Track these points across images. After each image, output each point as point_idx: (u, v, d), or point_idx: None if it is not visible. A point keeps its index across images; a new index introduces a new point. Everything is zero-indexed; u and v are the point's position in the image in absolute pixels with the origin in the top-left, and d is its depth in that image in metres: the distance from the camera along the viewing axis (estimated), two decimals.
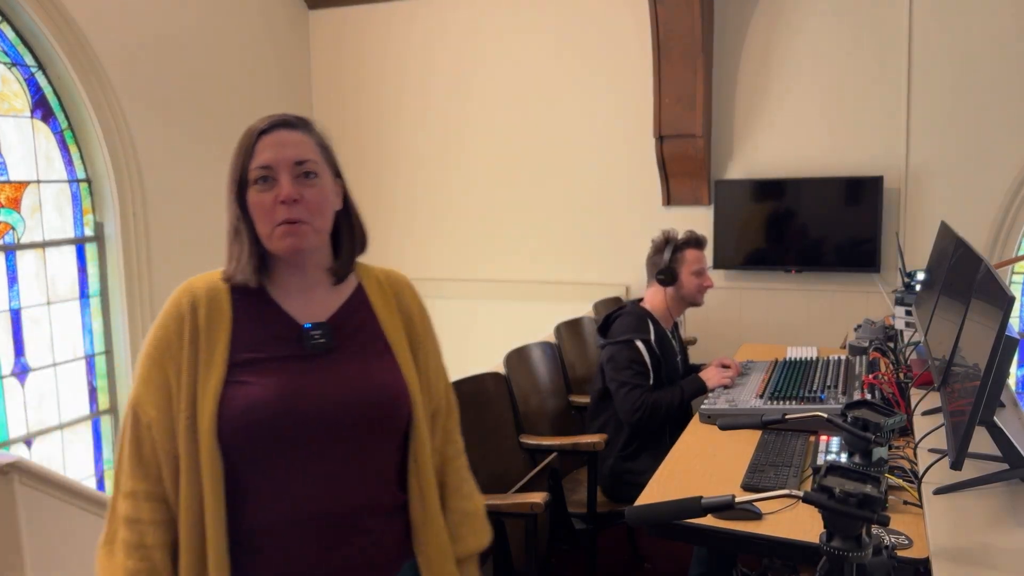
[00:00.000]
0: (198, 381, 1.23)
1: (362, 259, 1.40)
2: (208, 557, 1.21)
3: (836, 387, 2.52)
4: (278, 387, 1.23)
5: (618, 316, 2.96)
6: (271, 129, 1.27)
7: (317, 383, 1.26)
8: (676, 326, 3.16)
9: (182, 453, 1.22)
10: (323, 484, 1.25)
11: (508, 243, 4.58)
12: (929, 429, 1.92)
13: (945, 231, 2.62)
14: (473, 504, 1.46)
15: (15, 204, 3.54)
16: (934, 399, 2.14)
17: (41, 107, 3.62)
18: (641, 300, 3.05)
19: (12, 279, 3.53)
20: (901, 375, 2.45)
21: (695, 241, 3.04)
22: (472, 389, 2.58)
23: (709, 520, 1.68)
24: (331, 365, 1.28)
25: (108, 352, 3.87)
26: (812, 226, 3.96)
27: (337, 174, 1.33)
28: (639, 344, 2.81)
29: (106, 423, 3.88)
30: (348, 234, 1.34)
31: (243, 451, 1.22)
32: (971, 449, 1.51)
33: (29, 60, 3.57)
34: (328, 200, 1.29)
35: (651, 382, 2.81)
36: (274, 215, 1.24)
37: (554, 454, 2.73)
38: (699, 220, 4.15)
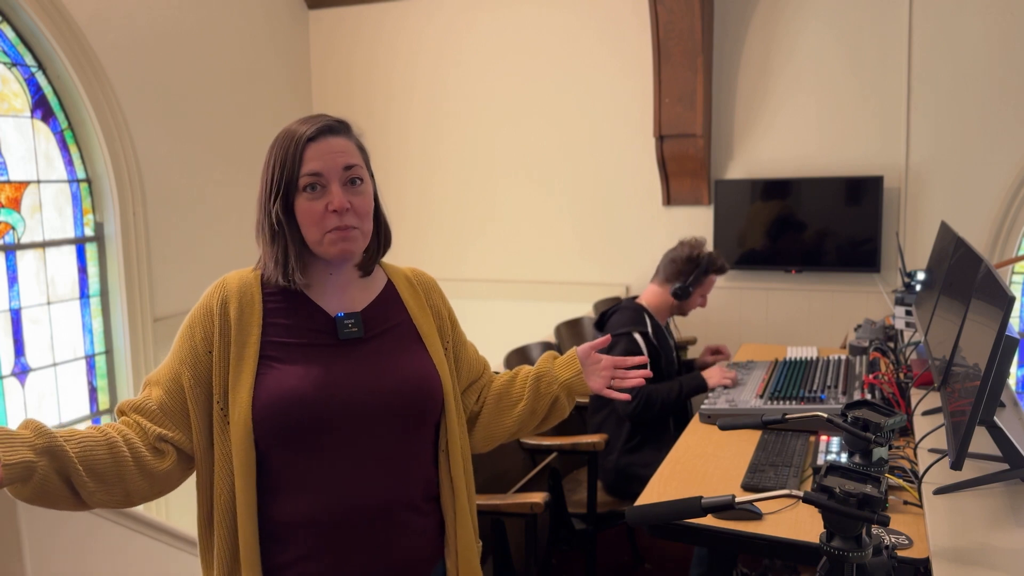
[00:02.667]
0: (230, 371, 1.25)
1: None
2: (240, 548, 1.22)
3: (836, 387, 2.52)
4: (311, 374, 1.25)
5: (615, 311, 2.98)
6: (318, 136, 1.27)
7: (350, 371, 1.28)
8: (668, 323, 3.18)
9: (216, 443, 1.25)
10: (355, 475, 1.26)
11: (508, 243, 4.58)
12: (929, 429, 1.92)
13: (945, 231, 2.62)
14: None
15: (15, 204, 3.54)
16: (934, 399, 2.14)
17: (41, 107, 3.62)
18: (636, 297, 3.07)
19: (12, 279, 3.53)
20: (901, 375, 2.45)
21: (721, 269, 3.08)
22: None
23: (709, 520, 1.68)
24: (365, 354, 1.31)
25: (108, 352, 3.87)
26: (812, 226, 3.96)
27: (371, 174, 1.36)
28: (637, 336, 2.83)
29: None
30: (375, 230, 1.36)
31: (276, 439, 1.23)
32: (971, 449, 1.51)
33: (29, 60, 3.57)
34: (371, 204, 1.33)
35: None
36: (324, 222, 1.25)
37: (554, 454, 2.73)
38: (699, 220, 4.16)
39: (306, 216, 1.26)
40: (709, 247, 3.12)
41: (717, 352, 3.29)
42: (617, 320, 2.92)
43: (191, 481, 1.32)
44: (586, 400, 3.09)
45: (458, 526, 1.35)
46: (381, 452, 1.28)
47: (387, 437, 1.29)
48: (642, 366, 1.51)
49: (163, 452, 1.25)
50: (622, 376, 1.49)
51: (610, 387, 1.49)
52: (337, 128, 1.30)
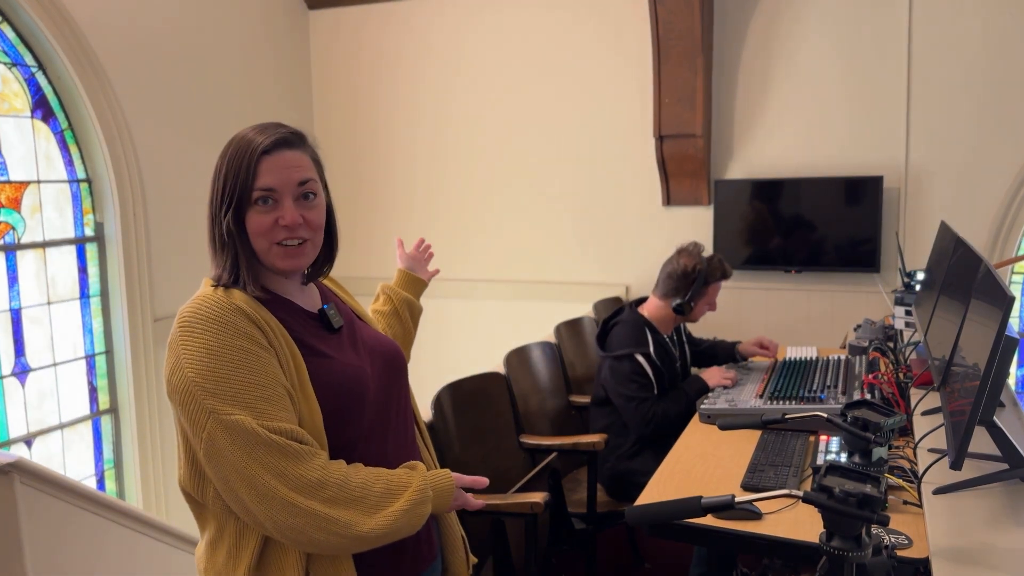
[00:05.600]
0: (287, 370, 1.23)
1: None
2: None
3: (836, 387, 2.52)
4: (342, 362, 1.31)
5: (615, 324, 2.94)
6: (273, 149, 1.25)
7: (357, 354, 1.35)
8: (679, 328, 3.14)
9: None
10: (395, 450, 1.35)
11: (508, 243, 4.58)
12: (929, 429, 1.92)
13: (945, 231, 2.62)
14: None
15: (15, 204, 3.54)
16: (934, 399, 2.14)
17: (41, 107, 3.62)
18: (641, 302, 3.02)
19: (12, 279, 3.53)
20: (901, 375, 2.45)
21: (723, 274, 2.96)
22: (472, 389, 2.59)
23: (709, 520, 1.68)
24: (353, 339, 1.38)
25: (108, 352, 3.87)
26: (812, 226, 3.96)
27: (325, 187, 1.36)
28: (639, 358, 2.80)
29: (106, 423, 3.89)
30: (326, 243, 1.37)
31: (339, 428, 1.26)
32: (971, 449, 1.51)
33: (29, 60, 3.57)
34: (323, 217, 1.33)
35: (656, 392, 2.81)
36: (273, 234, 1.26)
37: (554, 454, 2.73)
38: (699, 220, 4.16)
39: (256, 228, 1.25)
40: (707, 252, 3.01)
41: (763, 348, 3.14)
42: (618, 337, 2.87)
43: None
44: (586, 400, 3.09)
45: (429, 461, 1.49)
46: (399, 421, 1.39)
47: (396, 405, 1.39)
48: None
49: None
50: None
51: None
52: (292, 140, 1.29)
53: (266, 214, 1.25)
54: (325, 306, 1.36)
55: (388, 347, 1.44)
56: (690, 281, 2.89)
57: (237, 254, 1.26)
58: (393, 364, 1.42)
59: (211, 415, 1.14)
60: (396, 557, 1.32)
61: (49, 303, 3.67)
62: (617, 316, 2.98)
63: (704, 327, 4.08)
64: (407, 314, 1.77)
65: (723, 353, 3.20)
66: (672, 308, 2.92)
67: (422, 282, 1.87)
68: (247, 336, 1.19)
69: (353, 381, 1.29)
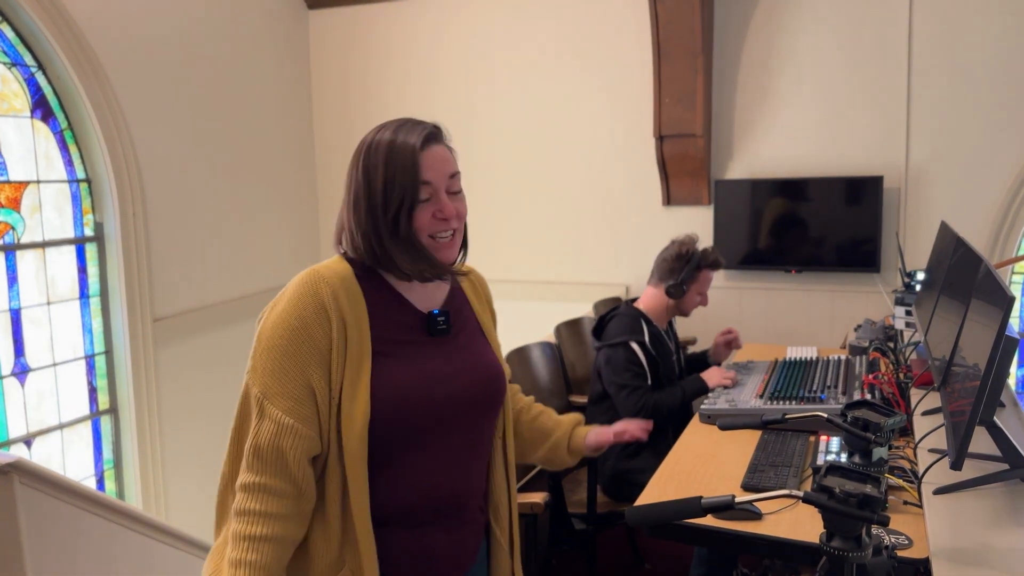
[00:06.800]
0: (347, 368, 1.24)
1: None
2: (356, 533, 1.24)
3: (836, 387, 2.52)
4: (419, 371, 1.30)
5: (612, 318, 2.96)
6: (426, 145, 1.30)
7: (445, 366, 1.33)
8: (671, 325, 3.15)
9: (327, 440, 1.25)
10: (449, 464, 1.32)
11: (508, 243, 4.58)
12: (929, 429, 1.92)
13: (945, 231, 2.62)
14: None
15: (15, 204, 3.54)
16: (934, 399, 2.14)
17: (41, 107, 3.62)
18: (635, 300, 3.05)
19: (12, 279, 3.53)
20: (901, 375, 2.45)
21: (715, 263, 3.01)
22: None
23: (709, 520, 1.68)
24: (452, 349, 1.36)
25: (108, 352, 3.87)
26: (812, 226, 3.96)
27: None
28: (634, 345, 2.81)
29: (106, 423, 3.88)
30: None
31: (387, 434, 1.25)
32: (971, 449, 1.51)
33: (29, 60, 3.57)
34: (466, 209, 1.37)
35: (649, 382, 2.81)
36: (432, 228, 1.29)
37: None
38: (699, 220, 4.16)
39: (420, 224, 1.29)
40: (701, 244, 3.07)
41: (728, 333, 3.19)
42: (614, 328, 2.89)
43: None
44: (586, 401, 3.09)
45: (511, 501, 1.47)
46: (468, 441, 1.36)
47: (472, 427, 1.36)
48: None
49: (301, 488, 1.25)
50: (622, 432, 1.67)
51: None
52: (439, 135, 1.34)
53: (425, 210, 1.28)
54: (435, 311, 1.35)
55: (489, 370, 1.41)
56: (683, 263, 2.94)
57: (401, 249, 1.28)
58: (487, 388, 1.38)
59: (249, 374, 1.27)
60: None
61: (49, 303, 3.67)
62: (614, 311, 3.00)
63: (704, 327, 4.08)
64: (548, 454, 1.64)
65: (699, 363, 3.19)
66: (664, 291, 2.95)
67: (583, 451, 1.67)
68: (305, 322, 1.24)
69: (419, 392, 1.28)
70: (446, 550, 1.33)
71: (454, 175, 1.33)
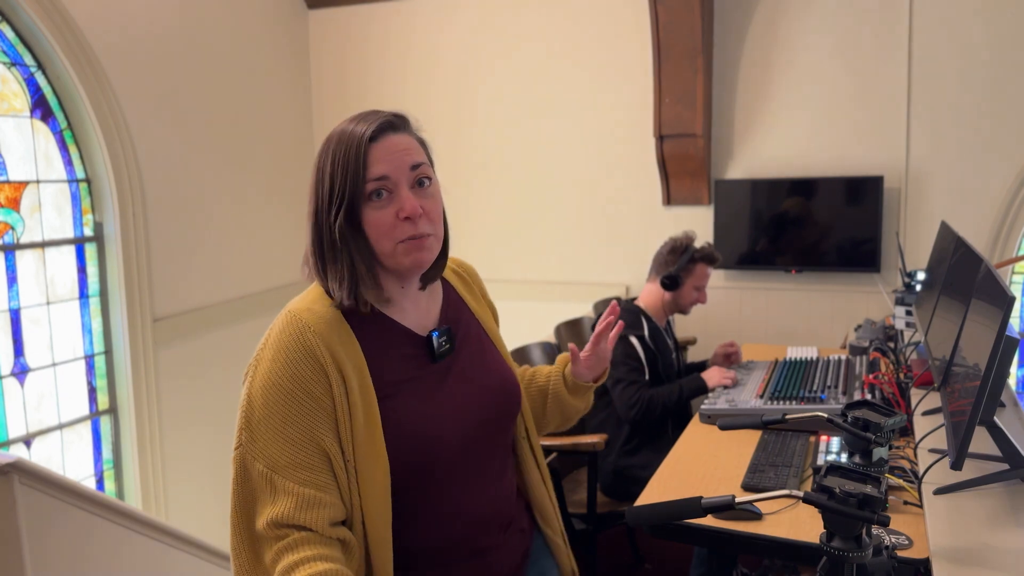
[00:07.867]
0: (354, 425, 1.12)
1: None
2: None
3: (836, 387, 2.51)
4: (430, 407, 1.19)
5: None
6: (380, 135, 1.14)
7: (454, 393, 1.22)
8: (669, 323, 3.16)
9: (349, 506, 1.13)
10: (470, 492, 1.23)
11: (508, 243, 4.58)
12: (929, 429, 1.92)
13: (945, 231, 2.62)
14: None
15: (14, 204, 3.54)
16: (934, 399, 2.14)
17: (41, 107, 3.62)
18: (635, 299, 3.07)
19: (11, 279, 3.52)
20: (901, 375, 2.45)
21: (710, 257, 3.05)
22: None
23: (709, 520, 1.68)
24: (459, 371, 1.24)
25: (108, 352, 3.87)
26: (812, 226, 3.96)
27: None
28: (633, 340, 2.83)
29: (106, 423, 3.88)
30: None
31: (406, 478, 1.16)
32: (971, 449, 1.51)
33: (29, 60, 3.56)
34: (441, 206, 1.21)
35: (647, 377, 2.82)
36: (396, 232, 1.13)
37: (554, 454, 2.73)
38: (699, 220, 4.15)
39: (376, 227, 1.13)
40: (699, 241, 3.10)
41: (730, 346, 3.17)
42: None
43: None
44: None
45: (550, 494, 1.38)
46: (485, 463, 1.26)
47: (488, 446, 1.26)
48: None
49: (342, 539, 1.12)
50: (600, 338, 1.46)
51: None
52: (397, 124, 1.18)
53: (383, 208, 1.13)
54: (435, 332, 1.22)
55: (502, 385, 1.29)
56: (677, 255, 2.99)
57: (354, 262, 1.13)
58: (502, 407, 1.28)
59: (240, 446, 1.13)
60: None
61: (48, 303, 3.67)
62: None
63: (705, 326, 4.08)
64: (554, 406, 1.48)
65: (697, 371, 3.18)
66: (660, 281, 2.97)
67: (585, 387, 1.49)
68: (301, 381, 1.11)
69: (433, 431, 1.17)
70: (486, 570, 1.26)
71: (418, 166, 1.15)
